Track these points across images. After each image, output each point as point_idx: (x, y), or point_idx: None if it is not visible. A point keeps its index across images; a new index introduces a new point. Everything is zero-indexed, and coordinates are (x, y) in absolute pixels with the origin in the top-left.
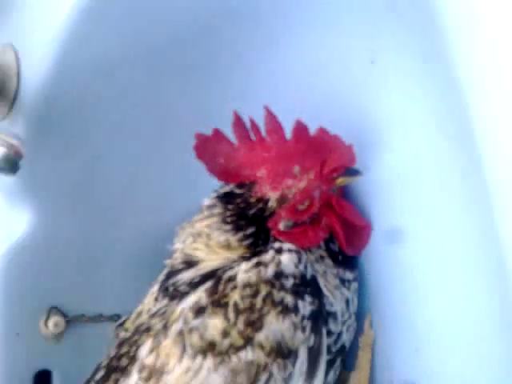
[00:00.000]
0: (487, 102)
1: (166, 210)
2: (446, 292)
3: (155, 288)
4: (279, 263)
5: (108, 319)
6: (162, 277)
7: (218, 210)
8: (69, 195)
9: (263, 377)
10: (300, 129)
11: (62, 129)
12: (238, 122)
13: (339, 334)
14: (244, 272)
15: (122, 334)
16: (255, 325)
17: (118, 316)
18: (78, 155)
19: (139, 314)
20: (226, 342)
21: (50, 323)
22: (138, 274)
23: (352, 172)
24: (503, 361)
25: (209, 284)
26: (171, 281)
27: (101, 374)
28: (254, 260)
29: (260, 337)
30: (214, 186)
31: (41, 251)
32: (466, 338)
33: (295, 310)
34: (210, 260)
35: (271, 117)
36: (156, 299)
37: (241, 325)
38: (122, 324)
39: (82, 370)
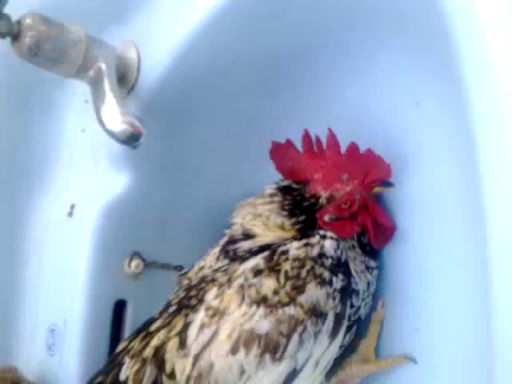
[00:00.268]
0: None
1: (230, 189)
2: (443, 284)
3: (216, 250)
4: (323, 247)
5: (173, 268)
6: (222, 242)
7: (278, 198)
8: (160, 165)
9: (299, 328)
10: (352, 147)
11: (166, 116)
12: (307, 135)
13: (358, 308)
14: (295, 249)
15: (186, 282)
16: (299, 289)
17: (181, 267)
18: (174, 138)
19: (201, 268)
20: (276, 299)
21: (132, 264)
22: (201, 236)
23: (387, 184)
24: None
25: (266, 254)
26: (231, 247)
27: (173, 308)
28: (304, 241)
29: (301, 299)
30: (271, 175)
31: (131, 206)
32: (458, 323)
33: (330, 283)
34: (265, 236)
35: (332, 135)
36: (217, 259)
37: (288, 287)
38: (184, 274)
39: (150, 304)
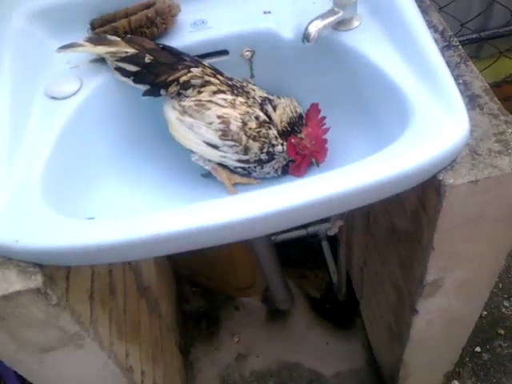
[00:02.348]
0: None
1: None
2: None
3: (263, 94)
4: (277, 145)
5: None
6: (267, 95)
7: (296, 114)
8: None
9: (237, 143)
10: (326, 139)
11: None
12: (323, 119)
13: (254, 172)
14: (272, 134)
15: (244, 81)
16: (254, 139)
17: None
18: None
19: (252, 89)
20: (248, 130)
21: None
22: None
23: (317, 163)
24: None
25: (266, 119)
26: (266, 102)
27: (230, 82)
28: (277, 136)
29: (250, 142)
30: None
31: None
32: None
33: (261, 154)
34: (275, 115)
35: (326, 130)
36: (257, 94)
37: (254, 134)
38: (249, 81)
39: None
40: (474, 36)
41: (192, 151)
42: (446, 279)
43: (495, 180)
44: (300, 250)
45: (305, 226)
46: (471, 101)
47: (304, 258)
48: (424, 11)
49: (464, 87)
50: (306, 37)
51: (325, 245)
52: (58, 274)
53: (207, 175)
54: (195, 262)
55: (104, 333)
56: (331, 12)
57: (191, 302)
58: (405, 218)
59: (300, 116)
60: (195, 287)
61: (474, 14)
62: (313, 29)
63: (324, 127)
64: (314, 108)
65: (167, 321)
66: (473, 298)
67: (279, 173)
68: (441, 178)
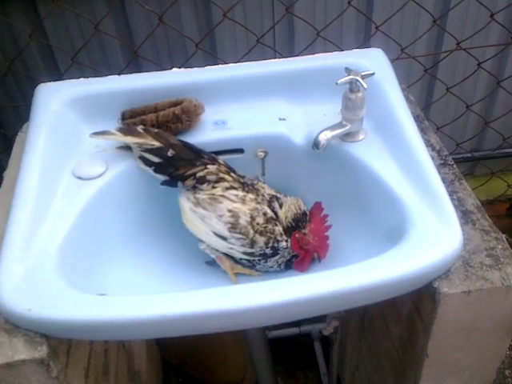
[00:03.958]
0: None
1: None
2: None
3: (272, 192)
4: (282, 241)
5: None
6: (275, 193)
7: (300, 211)
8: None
9: (245, 237)
10: (327, 236)
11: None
12: (326, 216)
13: (258, 265)
14: (278, 231)
15: (255, 180)
16: (261, 234)
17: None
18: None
19: (262, 186)
20: (256, 225)
21: None
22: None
23: (318, 257)
24: None
25: (273, 217)
26: (273, 201)
27: (242, 179)
28: (283, 233)
29: (257, 236)
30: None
31: None
32: None
33: (266, 248)
34: (282, 213)
35: (329, 227)
36: (267, 192)
37: (262, 230)
38: (258, 181)
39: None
40: (468, 155)
41: (200, 240)
42: None
43: (487, 292)
44: (291, 349)
45: (298, 325)
46: (464, 216)
47: (295, 356)
48: (423, 131)
49: (458, 203)
50: (316, 144)
51: (317, 345)
52: (60, 347)
53: (211, 263)
54: (186, 351)
55: None
56: (340, 125)
57: None
58: (400, 323)
59: (304, 213)
60: (182, 377)
61: (469, 136)
62: (322, 138)
63: (326, 224)
64: (318, 206)
65: None
66: None
67: (282, 267)
68: (436, 285)
